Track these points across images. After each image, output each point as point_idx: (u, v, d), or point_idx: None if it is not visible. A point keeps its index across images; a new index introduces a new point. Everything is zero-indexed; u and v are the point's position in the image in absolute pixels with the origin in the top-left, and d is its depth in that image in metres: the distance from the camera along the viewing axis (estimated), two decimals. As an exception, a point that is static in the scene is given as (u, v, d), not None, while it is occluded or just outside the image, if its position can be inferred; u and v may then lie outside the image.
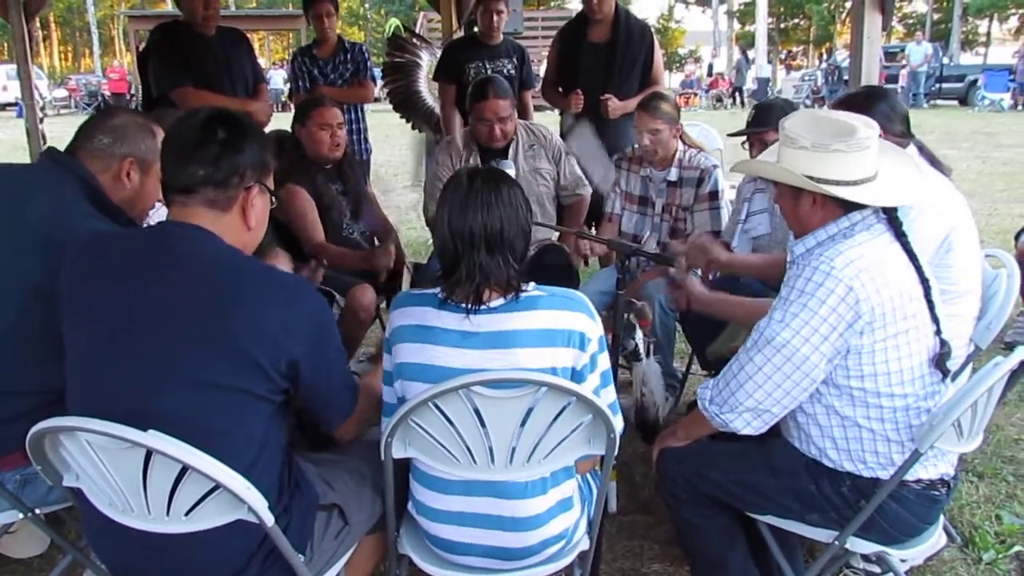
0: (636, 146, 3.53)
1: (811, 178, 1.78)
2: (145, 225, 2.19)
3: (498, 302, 1.66)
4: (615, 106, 4.19)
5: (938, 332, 1.80)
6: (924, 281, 1.80)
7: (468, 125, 3.72)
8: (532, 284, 1.70)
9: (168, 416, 1.44)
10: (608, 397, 1.74)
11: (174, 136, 1.62)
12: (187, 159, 1.56)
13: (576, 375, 1.67)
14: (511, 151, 3.59)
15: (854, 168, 1.78)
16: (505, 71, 4.60)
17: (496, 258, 1.64)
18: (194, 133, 1.57)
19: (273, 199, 1.70)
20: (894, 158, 1.92)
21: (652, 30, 4.63)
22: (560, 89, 4.51)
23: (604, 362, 1.75)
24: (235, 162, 1.58)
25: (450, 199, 1.69)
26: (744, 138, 3.05)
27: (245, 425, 1.52)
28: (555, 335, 1.64)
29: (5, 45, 38.35)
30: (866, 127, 1.80)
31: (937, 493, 1.85)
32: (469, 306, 1.64)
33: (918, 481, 1.82)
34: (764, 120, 2.92)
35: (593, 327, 1.69)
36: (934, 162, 2.42)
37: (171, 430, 1.38)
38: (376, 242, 3.68)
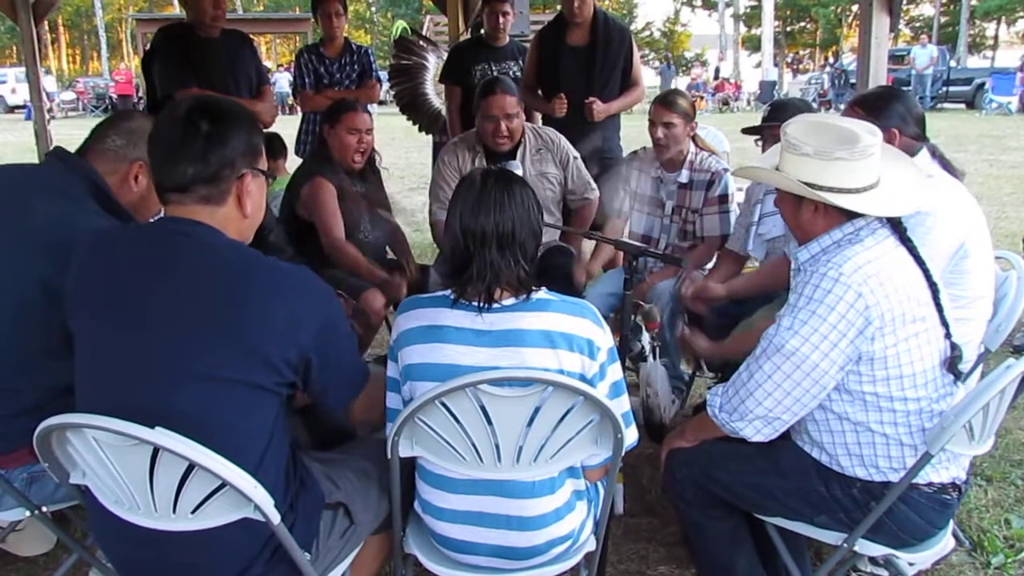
0: (644, 147, 3.53)
1: (812, 185, 1.76)
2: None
3: (509, 301, 1.66)
4: (599, 109, 4.17)
5: (948, 335, 1.79)
6: (932, 285, 1.78)
7: (472, 128, 3.72)
8: (544, 288, 1.71)
9: (178, 412, 1.44)
10: (621, 407, 1.71)
11: (158, 134, 1.59)
12: (175, 158, 1.54)
13: (585, 382, 1.65)
14: (519, 153, 3.59)
15: (856, 176, 1.76)
16: (511, 73, 4.60)
17: (507, 257, 1.65)
18: (177, 129, 1.54)
19: (269, 180, 1.69)
20: (897, 163, 1.90)
21: (630, 32, 4.63)
22: (540, 92, 4.50)
23: (615, 372, 1.73)
24: (223, 154, 1.55)
25: (463, 198, 1.70)
26: (757, 135, 3.05)
27: (252, 420, 1.51)
28: (562, 338, 1.64)
29: (14, 48, 38.54)
30: (869, 134, 1.78)
31: (948, 497, 1.83)
32: (481, 304, 1.64)
33: (929, 484, 1.80)
34: (779, 117, 2.92)
35: (602, 336, 1.68)
36: (947, 166, 2.40)
37: (181, 426, 1.38)
38: (388, 249, 3.70)
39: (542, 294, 1.70)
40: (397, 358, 1.71)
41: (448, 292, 1.69)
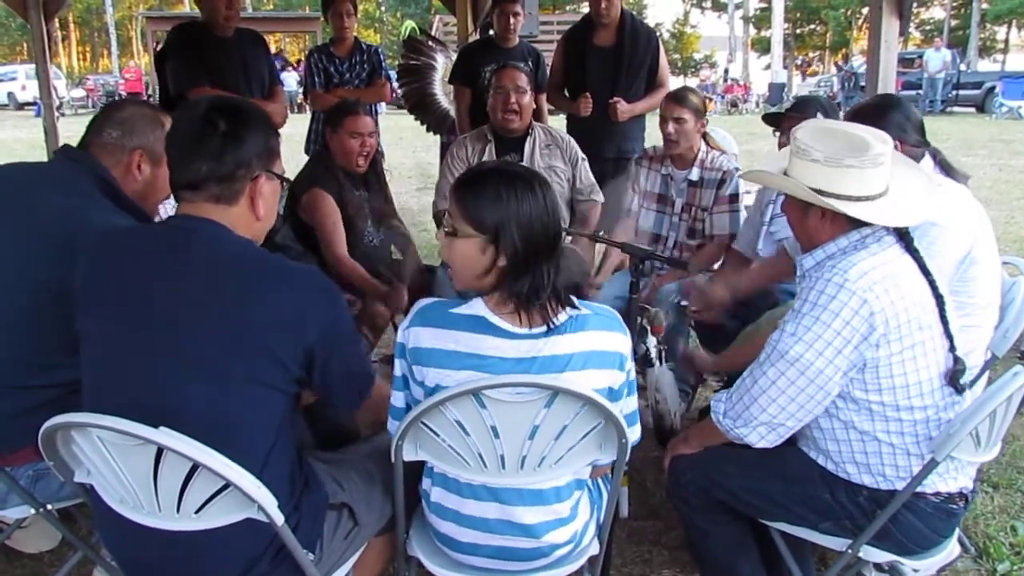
0: (655, 146, 3.53)
1: (821, 192, 1.75)
2: (159, 218, 2.19)
3: (540, 328, 1.59)
4: (623, 109, 4.20)
5: (952, 349, 1.77)
6: (938, 296, 1.76)
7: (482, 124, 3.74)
8: (576, 300, 1.64)
9: (186, 410, 1.44)
10: (629, 405, 1.70)
11: (176, 131, 1.61)
12: (190, 155, 1.55)
13: (614, 394, 1.64)
14: (527, 147, 3.60)
15: (866, 184, 1.74)
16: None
17: (554, 266, 1.59)
18: (195, 127, 1.55)
19: (283, 184, 1.69)
20: (906, 171, 1.88)
21: (657, 34, 4.65)
22: (566, 92, 4.52)
23: (631, 372, 1.73)
24: (239, 154, 1.56)
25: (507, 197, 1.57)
26: (776, 125, 3.04)
27: (260, 418, 1.51)
28: (602, 357, 1.61)
29: (25, 45, 38.70)
30: (880, 142, 1.75)
31: (955, 507, 1.82)
32: (533, 331, 1.58)
33: (937, 494, 1.79)
34: (801, 109, 2.91)
35: (627, 345, 1.68)
36: (950, 171, 2.38)
37: (189, 424, 1.38)
38: (394, 249, 3.70)
39: (580, 309, 1.63)
40: (412, 369, 1.64)
41: (488, 314, 1.60)
